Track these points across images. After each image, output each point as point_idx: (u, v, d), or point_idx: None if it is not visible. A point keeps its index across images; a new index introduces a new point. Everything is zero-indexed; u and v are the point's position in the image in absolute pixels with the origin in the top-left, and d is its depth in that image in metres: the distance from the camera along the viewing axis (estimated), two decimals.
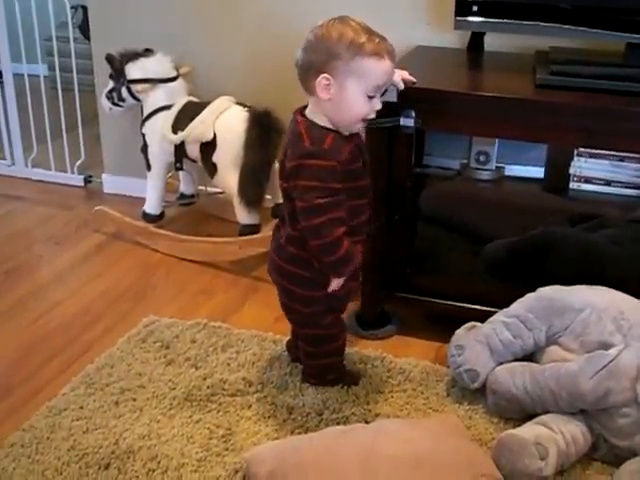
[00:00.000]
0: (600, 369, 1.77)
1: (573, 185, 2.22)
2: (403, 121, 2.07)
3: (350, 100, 1.75)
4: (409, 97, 2.05)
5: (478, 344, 1.97)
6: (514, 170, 2.31)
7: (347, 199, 1.78)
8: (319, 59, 1.73)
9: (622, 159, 2.18)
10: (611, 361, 1.77)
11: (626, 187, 2.19)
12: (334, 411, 1.96)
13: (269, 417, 1.95)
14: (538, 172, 2.28)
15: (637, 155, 2.15)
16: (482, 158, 2.28)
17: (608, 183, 2.20)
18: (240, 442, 1.86)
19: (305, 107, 1.85)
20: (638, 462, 1.67)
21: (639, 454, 1.71)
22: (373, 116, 1.80)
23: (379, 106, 1.79)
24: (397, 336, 2.33)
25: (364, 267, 2.27)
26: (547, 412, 1.84)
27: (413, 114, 2.06)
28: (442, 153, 2.33)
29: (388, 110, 2.05)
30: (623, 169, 2.19)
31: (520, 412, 1.90)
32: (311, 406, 1.97)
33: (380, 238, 2.20)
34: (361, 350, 2.21)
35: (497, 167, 2.29)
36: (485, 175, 2.28)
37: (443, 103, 2.07)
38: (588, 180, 2.22)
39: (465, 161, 2.30)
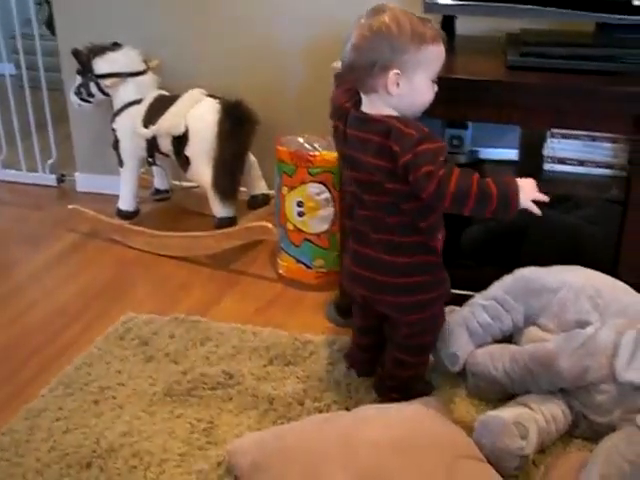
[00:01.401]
0: (577, 347, 1.78)
1: (547, 166, 2.22)
2: None
3: (420, 90, 1.73)
4: None
5: (457, 327, 1.97)
6: (488, 153, 2.31)
7: None
8: (384, 56, 1.67)
9: (594, 139, 2.18)
10: (588, 339, 1.78)
11: (599, 167, 2.19)
12: (315, 400, 1.96)
13: (250, 409, 1.94)
14: (512, 154, 2.28)
15: (609, 134, 2.15)
16: (456, 142, 2.27)
17: (581, 163, 2.20)
18: (222, 435, 1.85)
19: (354, 106, 1.79)
20: (616, 437, 1.68)
21: (617, 429, 1.71)
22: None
23: (436, 88, 1.77)
24: None
25: (340, 255, 2.29)
26: (527, 392, 1.85)
27: None
28: None
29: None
30: (595, 149, 2.19)
31: (500, 393, 1.90)
32: (292, 396, 1.97)
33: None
34: (340, 337, 2.20)
35: (471, 151, 2.29)
36: (459, 159, 2.27)
37: None
38: (562, 161, 2.21)
39: None
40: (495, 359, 1.90)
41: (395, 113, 1.73)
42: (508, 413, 1.75)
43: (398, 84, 1.69)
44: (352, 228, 1.89)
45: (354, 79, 1.75)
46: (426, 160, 1.65)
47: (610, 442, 1.67)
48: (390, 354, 1.96)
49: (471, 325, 1.98)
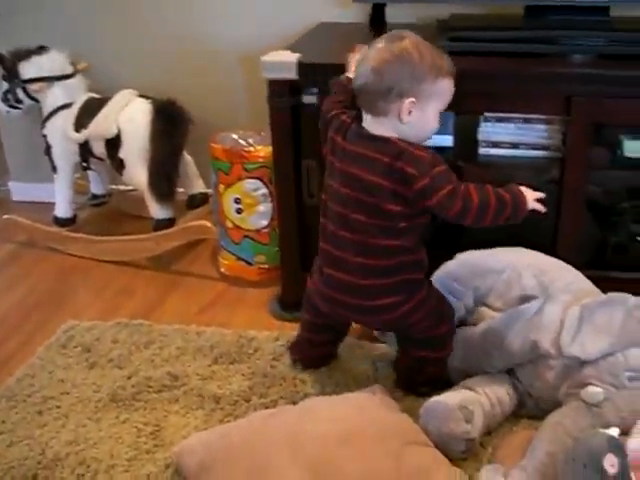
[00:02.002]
0: (525, 323, 1.80)
1: (482, 151, 2.22)
2: (306, 99, 2.06)
3: (430, 120, 1.75)
4: (310, 74, 2.05)
5: None
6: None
7: None
8: (403, 83, 1.68)
9: (528, 121, 2.18)
10: (535, 314, 1.80)
11: (533, 149, 2.20)
12: (262, 396, 1.95)
13: (197, 409, 1.92)
14: (447, 140, 2.28)
15: (543, 116, 2.17)
16: None
17: (516, 146, 2.21)
18: (169, 437, 1.83)
19: (354, 121, 1.79)
20: (561, 413, 1.69)
21: (563, 405, 1.73)
22: None
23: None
24: None
25: (281, 250, 2.28)
26: (483, 372, 1.86)
27: (316, 91, 2.05)
28: None
29: (289, 88, 2.04)
30: (529, 131, 2.19)
31: (460, 378, 1.90)
32: (238, 393, 1.96)
33: (294, 221, 2.20)
34: (284, 333, 2.20)
35: None
36: None
37: None
38: (496, 144, 2.21)
39: None
40: (454, 347, 1.92)
41: (398, 137, 1.73)
42: (452, 398, 1.75)
43: (410, 112, 1.70)
44: (326, 250, 1.87)
45: (366, 100, 1.74)
46: (444, 181, 1.69)
47: (555, 418, 1.68)
48: (411, 353, 1.94)
49: None
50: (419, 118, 1.71)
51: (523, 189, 1.75)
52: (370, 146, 1.73)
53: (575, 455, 1.28)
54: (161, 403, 1.94)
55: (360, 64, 1.74)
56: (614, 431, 1.34)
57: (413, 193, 1.69)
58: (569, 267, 1.99)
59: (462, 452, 1.71)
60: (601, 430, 1.35)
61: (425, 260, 1.85)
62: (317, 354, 2.04)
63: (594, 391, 1.68)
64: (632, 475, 1.26)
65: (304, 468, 1.51)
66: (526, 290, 1.90)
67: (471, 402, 1.75)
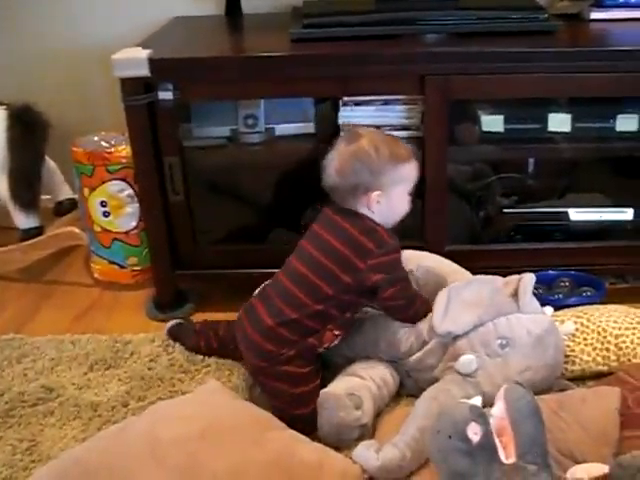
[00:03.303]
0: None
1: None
2: (161, 95, 2.03)
3: (398, 204, 1.86)
4: (164, 70, 2.02)
5: None
6: (285, 129, 2.30)
7: None
8: (364, 180, 1.80)
9: (387, 102, 2.20)
10: None
11: (395, 129, 2.22)
12: (140, 399, 1.92)
13: (74, 419, 1.87)
14: (308, 127, 2.29)
15: (400, 97, 2.19)
16: (250, 121, 2.25)
17: (377, 128, 2.22)
18: (46, 451, 1.77)
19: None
20: (436, 388, 1.73)
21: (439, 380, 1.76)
22: None
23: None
24: (198, 314, 2.30)
25: (151, 250, 2.24)
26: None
27: (171, 87, 2.02)
28: (211, 121, 2.30)
29: (143, 85, 2.01)
30: (389, 112, 2.21)
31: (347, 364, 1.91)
32: (116, 399, 1.92)
33: (161, 219, 2.17)
34: (160, 333, 2.15)
35: (267, 128, 2.27)
36: (256, 138, 2.26)
37: (201, 71, 2.05)
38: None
39: (235, 127, 2.28)
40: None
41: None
42: (339, 386, 1.77)
43: (379, 201, 1.82)
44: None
45: (337, 197, 1.86)
46: (400, 270, 1.86)
47: (430, 394, 1.71)
48: None
49: None
50: (387, 205, 1.83)
51: None
52: (342, 217, 1.85)
53: (440, 427, 1.30)
54: (36, 417, 1.88)
55: (326, 167, 1.85)
56: (477, 400, 1.36)
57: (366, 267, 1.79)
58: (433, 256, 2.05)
59: (356, 440, 1.71)
60: (464, 400, 1.37)
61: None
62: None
63: (467, 359, 1.72)
64: (496, 440, 1.29)
65: (171, 475, 1.48)
66: None
67: (358, 388, 1.76)
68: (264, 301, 1.86)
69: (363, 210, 1.84)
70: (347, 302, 1.82)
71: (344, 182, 1.81)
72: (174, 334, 2.11)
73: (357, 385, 1.78)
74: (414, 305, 1.86)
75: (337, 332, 1.85)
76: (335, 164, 1.83)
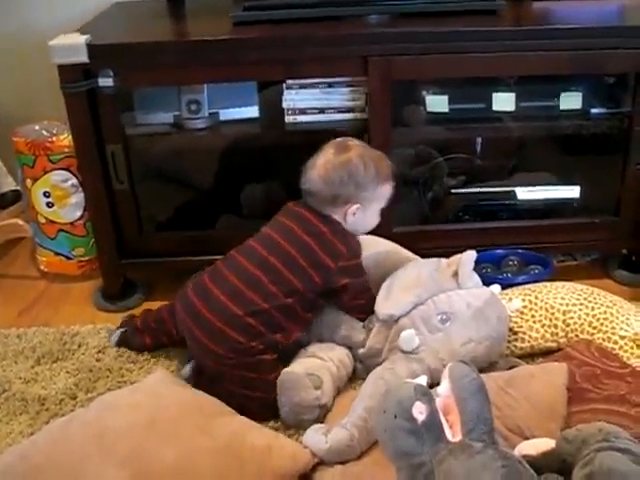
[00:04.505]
0: None
1: (289, 119, 2.21)
2: (101, 82, 1.99)
3: (371, 218, 1.92)
4: (104, 56, 1.99)
5: None
6: (228, 114, 2.27)
7: None
8: (347, 192, 1.84)
9: (331, 85, 2.19)
10: None
11: (339, 112, 2.22)
12: (88, 390, 1.90)
13: (21, 414, 1.85)
14: (253, 112, 2.27)
15: (345, 79, 2.18)
16: (194, 107, 2.22)
17: (322, 111, 2.21)
18: None
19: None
20: (382, 368, 1.74)
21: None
22: None
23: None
24: (147, 302, 2.28)
25: (97, 240, 2.21)
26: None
27: (111, 73, 1.99)
28: (153, 108, 2.26)
29: (82, 72, 1.98)
30: (333, 94, 2.20)
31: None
32: (64, 392, 1.90)
33: (106, 208, 2.14)
34: (108, 324, 2.14)
35: (210, 114, 2.24)
36: (200, 124, 2.22)
37: (142, 56, 2.02)
38: (302, 111, 2.21)
39: (178, 113, 2.25)
40: None
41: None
42: (299, 367, 1.76)
43: (355, 214, 1.86)
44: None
45: (314, 202, 1.87)
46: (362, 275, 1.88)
47: (377, 374, 1.72)
48: None
49: None
50: (361, 219, 1.89)
51: None
52: (315, 215, 1.87)
53: (386, 406, 1.30)
54: None
55: (309, 169, 1.85)
56: (422, 379, 1.36)
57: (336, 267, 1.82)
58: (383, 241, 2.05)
59: (315, 420, 1.72)
60: (409, 380, 1.37)
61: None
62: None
63: (407, 334, 1.75)
64: (442, 419, 1.29)
65: (119, 465, 1.46)
66: None
67: (317, 368, 1.76)
68: (221, 284, 1.81)
69: (337, 217, 1.86)
70: (310, 301, 1.82)
71: (327, 190, 1.83)
72: (122, 342, 2.05)
73: (317, 366, 1.78)
74: (372, 302, 1.86)
75: (301, 332, 1.84)
76: (321, 171, 1.84)
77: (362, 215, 1.88)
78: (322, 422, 1.72)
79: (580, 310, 1.91)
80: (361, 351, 1.85)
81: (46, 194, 2.35)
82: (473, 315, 1.78)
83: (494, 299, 1.83)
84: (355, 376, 1.88)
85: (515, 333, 1.91)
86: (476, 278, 1.87)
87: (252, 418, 1.67)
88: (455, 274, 1.84)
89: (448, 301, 1.79)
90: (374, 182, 1.86)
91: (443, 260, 1.90)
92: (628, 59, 2.05)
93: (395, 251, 2.04)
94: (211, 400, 1.67)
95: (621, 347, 1.83)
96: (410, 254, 2.04)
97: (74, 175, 2.34)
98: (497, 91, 2.23)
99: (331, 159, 1.85)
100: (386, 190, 1.91)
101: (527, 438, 1.52)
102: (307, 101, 2.21)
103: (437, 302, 1.79)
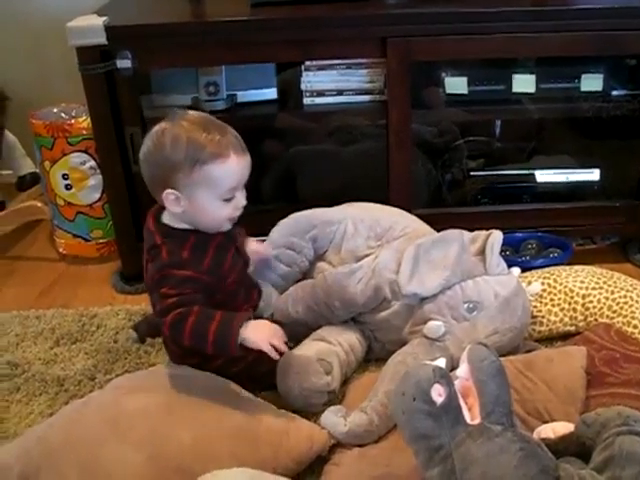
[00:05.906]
0: (364, 271, 1.80)
1: (307, 100, 2.21)
2: (119, 63, 1.99)
3: (205, 209, 1.58)
4: (122, 37, 1.99)
5: (264, 289, 1.92)
6: (247, 95, 2.27)
7: None
8: (160, 172, 1.55)
9: (349, 66, 2.19)
10: (371, 262, 1.81)
11: (357, 94, 2.21)
12: (107, 372, 1.91)
13: (40, 394, 1.86)
14: (271, 94, 2.26)
15: (362, 60, 2.17)
16: (212, 89, 2.22)
17: (340, 93, 2.21)
18: (13, 428, 1.76)
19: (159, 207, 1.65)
20: (404, 352, 1.71)
21: (407, 343, 1.75)
22: (239, 213, 1.63)
23: (244, 202, 1.62)
24: None
25: (115, 222, 2.22)
26: (329, 324, 1.85)
27: (129, 55, 1.99)
28: (171, 90, 2.26)
29: (100, 54, 1.97)
30: (351, 76, 2.19)
31: (306, 333, 1.88)
32: (82, 372, 1.91)
33: (124, 190, 2.14)
34: (126, 306, 2.16)
35: (228, 95, 2.24)
36: (218, 105, 2.22)
37: (160, 38, 2.02)
38: (320, 93, 2.21)
39: (196, 95, 2.25)
40: (295, 302, 1.88)
41: (191, 227, 1.62)
42: (309, 351, 1.75)
43: (180, 202, 1.56)
44: None
45: (150, 190, 1.62)
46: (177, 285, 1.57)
47: (398, 358, 1.71)
48: None
49: (273, 280, 1.94)
50: (191, 207, 1.57)
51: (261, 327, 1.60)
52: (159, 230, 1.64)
53: (404, 389, 1.28)
54: (1, 394, 1.86)
55: None
56: (441, 362, 1.35)
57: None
58: (403, 212, 2.01)
59: (323, 405, 1.70)
60: (427, 362, 1.36)
61: None
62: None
63: (435, 325, 1.71)
64: (461, 402, 1.28)
65: (136, 448, 1.47)
66: (360, 244, 1.90)
67: (327, 354, 1.75)
68: None
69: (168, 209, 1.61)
70: None
71: (143, 171, 1.61)
72: (142, 339, 1.96)
73: (326, 350, 1.76)
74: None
75: None
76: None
77: (189, 204, 1.56)
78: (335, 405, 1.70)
79: (600, 294, 1.89)
80: (377, 322, 1.80)
81: (64, 176, 2.35)
82: (500, 306, 1.73)
83: (520, 288, 1.79)
84: (372, 356, 1.87)
85: (534, 317, 1.89)
86: (502, 264, 1.81)
87: None
88: (479, 252, 1.81)
89: (476, 289, 1.74)
90: (188, 160, 1.52)
91: (466, 233, 1.83)
92: None
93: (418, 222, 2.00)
94: (228, 383, 1.67)
95: None
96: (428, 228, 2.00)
97: (92, 157, 2.34)
98: (517, 73, 2.22)
99: (147, 137, 1.59)
100: (214, 172, 1.54)
101: (546, 421, 1.51)
102: (325, 83, 2.21)
103: (465, 289, 1.74)
